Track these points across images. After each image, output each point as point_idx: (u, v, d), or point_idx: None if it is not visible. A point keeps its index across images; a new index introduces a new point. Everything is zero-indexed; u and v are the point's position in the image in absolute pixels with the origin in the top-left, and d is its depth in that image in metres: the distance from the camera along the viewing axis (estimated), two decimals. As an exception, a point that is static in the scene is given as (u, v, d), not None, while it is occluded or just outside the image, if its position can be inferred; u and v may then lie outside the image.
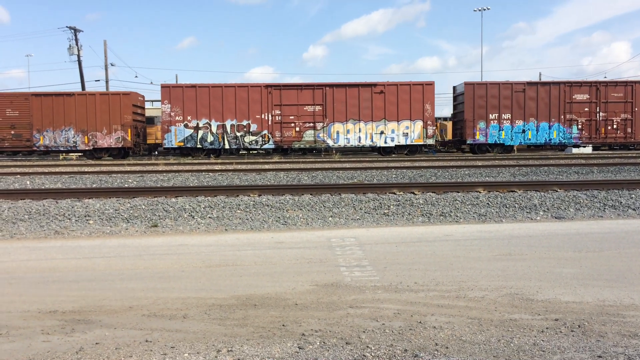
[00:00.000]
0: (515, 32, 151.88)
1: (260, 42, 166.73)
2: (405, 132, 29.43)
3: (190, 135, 29.13)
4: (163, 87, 29.32)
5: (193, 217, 9.28)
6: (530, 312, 4.28)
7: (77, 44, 45.19)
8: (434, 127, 29.81)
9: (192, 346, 3.69)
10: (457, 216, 9.23)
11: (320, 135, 29.39)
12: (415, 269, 5.69)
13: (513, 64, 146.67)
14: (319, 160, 24.35)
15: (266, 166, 19.98)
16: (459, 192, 11.11)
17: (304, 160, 24.41)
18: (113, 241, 7.64)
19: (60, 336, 3.91)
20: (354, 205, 9.99)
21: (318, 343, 3.71)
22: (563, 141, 30.23)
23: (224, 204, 10.13)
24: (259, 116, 29.16)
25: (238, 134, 29.21)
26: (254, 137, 29.27)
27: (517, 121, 29.97)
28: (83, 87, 44.68)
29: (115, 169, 19.55)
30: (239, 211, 9.65)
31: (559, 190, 11.32)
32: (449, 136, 33.64)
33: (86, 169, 19.51)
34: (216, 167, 19.50)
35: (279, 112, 29.21)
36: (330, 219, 9.13)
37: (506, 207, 9.82)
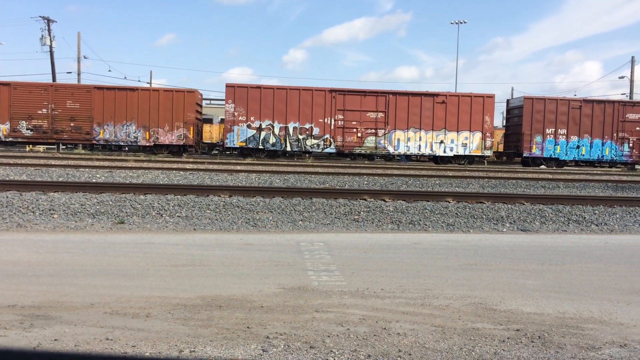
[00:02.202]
0: (492, 47, 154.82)
1: (242, 43, 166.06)
2: (465, 142, 29.77)
3: (253, 135, 28.87)
4: (228, 86, 28.91)
5: (161, 216, 9.16)
6: (493, 322, 4.35)
7: (49, 35, 44.31)
8: (492, 139, 30.26)
9: (154, 346, 3.63)
10: (425, 225, 9.32)
11: (382, 142, 29.51)
12: (383, 276, 5.72)
13: (488, 78, 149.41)
14: (291, 163, 24.33)
15: (238, 167, 19.87)
16: (428, 201, 11.23)
17: (276, 162, 24.35)
18: (77, 236, 7.49)
19: (18, 331, 3.81)
20: (324, 210, 10.00)
21: (282, 346, 3.70)
22: (615, 158, 31.04)
23: (194, 204, 10.03)
24: (321, 120, 29.14)
25: (300, 137, 29.11)
26: (315, 141, 29.19)
27: (572, 137, 30.60)
28: (54, 79, 43.79)
29: (83, 163, 19.17)
30: (208, 211, 9.57)
31: (525, 203, 11.53)
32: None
33: (53, 162, 19.09)
34: (187, 166, 19.31)
35: (342, 117, 29.26)
36: (300, 222, 9.13)
37: (474, 217, 9.97)
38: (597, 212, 10.90)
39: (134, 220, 8.81)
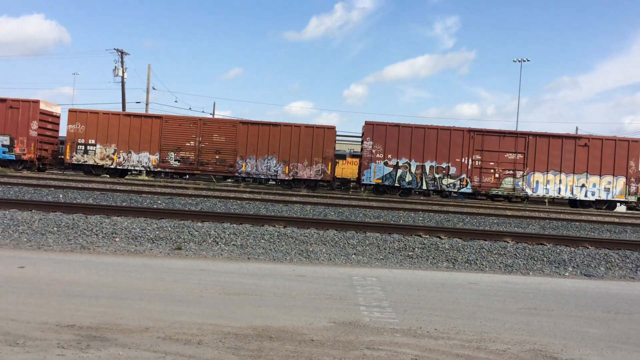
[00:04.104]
0: (558, 86, 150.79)
1: (304, 78, 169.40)
2: (607, 187, 29.18)
3: (389, 173, 29.26)
4: (367, 123, 29.64)
5: (217, 243, 9.31)
6: (554, 371, 4.12)
7: (122, 66, 46.75)
8: (638, 185, 29.59)
9: (204, 373, 3.65)
10: (482, 265, 9.04)
11: (520, 183, 29.29)
12: (437, 315, 5.56)
13: (552, 117, 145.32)
14: (346, 196, 24.33)
15: (293, 198, 20.03)
16: (486, 240, 10.91)
17: (331, 195, 24.41)
18: (137, 260, 7.70)
19: (75, 351, 3.92)
20: (378, 245, 9.89)
21: (331, 382, 3.63)
22: None
23: (249, 233, 10.15)
24: (458, 160, 29.30)
25: (436, 176, 29.29)
26: (452, 180, 29.31)
27: None
28: (124, 108, 45.97)
29: (146, 189, 19.87)
30: (262, 241, 9.66)
31: (589, 247, 11.01)
32: None
33: (118, 187, 19.88)
34: (244, 196, 19.64)
35: (479, 157, 29.30)
36: (353, 256, 9.05)
37: (534, 259, 9.59)
38: (669, 259, 10.25)
39: (191, 246, 9.00)
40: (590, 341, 4.99)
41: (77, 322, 4.58)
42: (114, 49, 48.01)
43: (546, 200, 30.22)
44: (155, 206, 14.55)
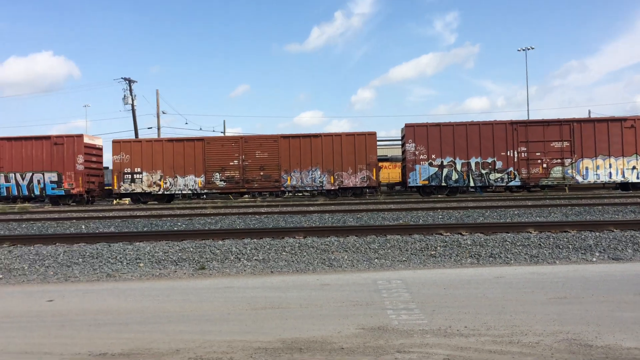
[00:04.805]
0: (566, 71, 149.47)
1: (311, 88, 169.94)
2: None
3: (435, 173, 29.45)
4: (407, 126, 29.80)
5: (239, 259, 9.35)
6: (590, 359, 4.06)
7: (131, 94, 47.37)
8: None
9: (237, 390, 3.65)
10: (507, 257, 8.96)
11: (569, 171, 29.23)
12: (465, 313, 5.52)
13: (563, 102, 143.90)
14: (363, 201, 24.29)
15: (311, 208, 20.05)
16: (508, 233, 10.81)
17: (349, 202, 24.39)
18: (162, 283, 7.76)
19: (109, 378, 3.96)
20: (399, 247, 9.85)
21: (365, 389, 3.62)
22: None
23: (270, 246, 10.18)
24: (504, 153, 29.31)
25: (483, 172, 29.37)
26: (499, 175, 29.36)
27: None
28: (136, 135, 46.49)
29: (166, 212, 20.02)
30: (284, 253, 9.67)
31: (615, 230, 10.85)
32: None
33: (138, 213, 20.06)
34: (262, 210, 19.70)
35: (525, 149, 29.32)
36: (375, 260, 9.03)
37: (559, 247, 9.48)
38: (697, 235, 10.07)
39: (214, 265, 9.04)
40: (624, 325, 4.91)
41: (108, 350, 4.63)
42: (122, 78, 48.70)
43: (566, 187, 29.90)
44: (175, 228, 14.65)
